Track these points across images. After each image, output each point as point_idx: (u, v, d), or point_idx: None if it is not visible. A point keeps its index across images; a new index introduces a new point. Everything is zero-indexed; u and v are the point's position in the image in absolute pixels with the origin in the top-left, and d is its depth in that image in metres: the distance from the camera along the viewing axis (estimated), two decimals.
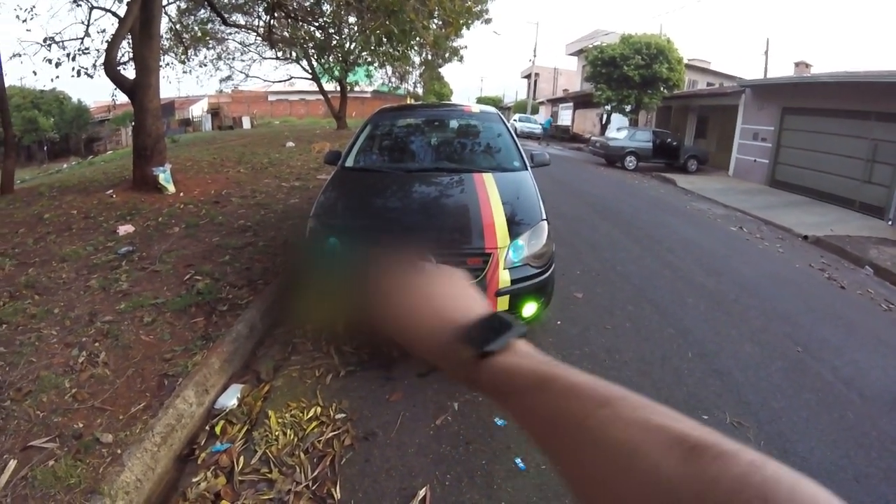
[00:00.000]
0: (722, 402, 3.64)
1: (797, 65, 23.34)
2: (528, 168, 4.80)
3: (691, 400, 3.61)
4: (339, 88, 26.63)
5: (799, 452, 3.18)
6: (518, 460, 2.81)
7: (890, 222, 12.05)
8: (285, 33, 18.91)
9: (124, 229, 6.02)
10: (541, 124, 35.27)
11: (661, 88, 23.15)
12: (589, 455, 0.41)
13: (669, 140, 20.48)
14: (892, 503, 2.86)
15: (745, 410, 3.57)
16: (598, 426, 0.42)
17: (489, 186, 4.15)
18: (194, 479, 2.55)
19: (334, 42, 20.57)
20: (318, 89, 27.54)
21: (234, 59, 23.29)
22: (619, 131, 21.67)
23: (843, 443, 3.36)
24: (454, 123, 5.95)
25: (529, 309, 3.61)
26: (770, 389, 3.91)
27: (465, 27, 18.52)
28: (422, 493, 2.55)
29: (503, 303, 3.45)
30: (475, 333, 0.57)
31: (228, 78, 24.63)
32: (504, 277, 3.44)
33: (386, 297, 0.67)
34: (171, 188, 8.08)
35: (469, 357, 0.55)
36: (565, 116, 40.70)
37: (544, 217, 3.95)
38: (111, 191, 8.12)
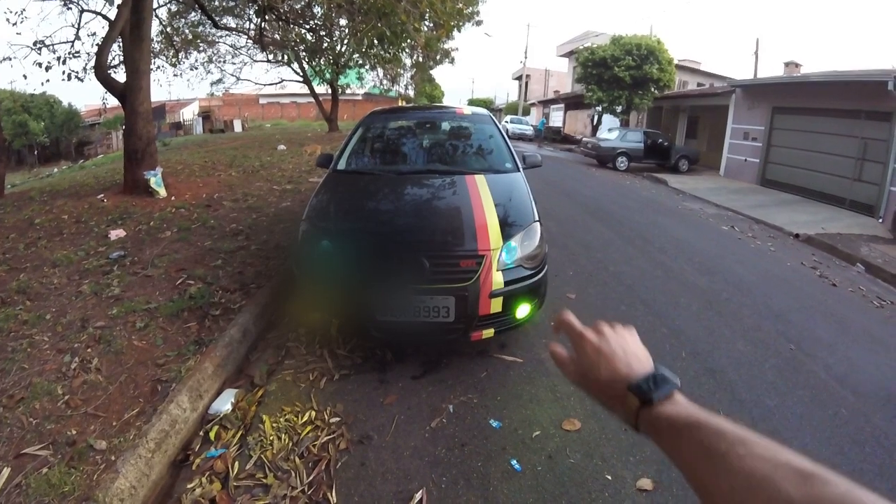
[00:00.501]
0: (716, 400, 3.66)
1: (787, 65, 23.44)
2: (521, 169, 4.81)
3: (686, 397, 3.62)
4: (330, 91, 26.63)
5: (793, 449, 3.18)
6: (514, 462, 2.81)
7: (881, 220, 12.14)
8: (276, 36, 18.93)
9: (116, 234, 5.99)
10: (533, 126, 35.37)
11: (652, 89, 23.23)
12: (729, 481, 0.53)
13: (660, 140, 20.56)
14: (888, 498, 2.87)
15: (739, 408, 3.59)
16: (737, 459, 0.54)
17: (481, 188, 4.16)
18: (189, 485, 2.54)
19: (325, 44, 20.60)
20: (309, 92, 27.54)
21: (224, 61, 23.31)
22: (610, 132, 21.72)
23: (837, 439, 3.38)
24: (446, 125, 5.96)
25: (523, 310, 3.61)
26: (763, 387, 3.92)
27: (456, 29, 18.58)
28: (418, 496, 2.54)
29: (496, 304, 3.45)
30: (643, 386, 0.71)
31: (219, 81, 24.60)
32: (497, 279, 3.44)
33: (585, 362, 0.80)
34: (163, 192, 8.05)
35: (636, 404, 0.70)
36: (556, 118, 40.78)
37: (537, 218, 3.95)
38: (102, 195, 8.08)
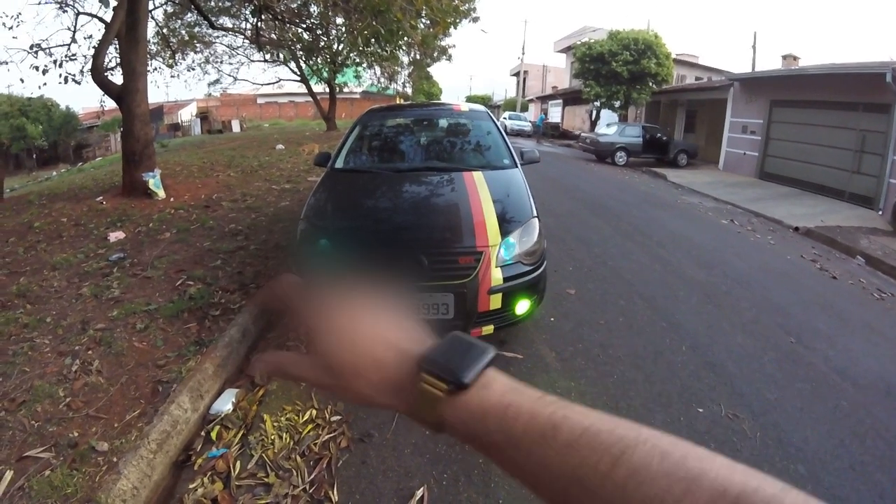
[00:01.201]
0: (716, 394, 3.66)
1: (785, 58, 23.46)
2: (519, 165, 4.81)
3: (685, 393, 3.63)
4: (327, 90, 26.59)
5: (794, 443, 3.20)
6: None
7: (880, 212, 12.15)
8: (273, 35, 18.85)
9: (115, 236, 6.00)
10: (531, 122, 35.36)
11: (650, 83, 23.20)
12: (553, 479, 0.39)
13: (659, 135, 20.55)
14: (888, 491, 2.88)
15: (739, 402, 3.59)
16: (623, 483, 0.37)
17: (479, 185, 4.16)
18: (191, 486, 2.54)
19: (322, 43, 20.51)
20: (306, 91, 27.52)
21: (221, 62, 23.23)
22: (608, 127, 21.77)
23: (837, 432, 3.39)
24: (443, 122, 5.95)
25: (522, 306, 3.61)
26: (764, 380, 3.93)
27: (452, 26, 18.51)
28: (419, 493, 2.55)
29: (496, 301, 3.45)
30: (442, 361, 0.48)
31: (217, 81, 24.58)
32: (496, 275, 3.45)
33: (318, 339, 0.54)
34: (162, 193, 8.06)
35: (440, 393, 0.47)
36: (555, 113, 40.76)
37: (535, 214, 3.95)
38: (101, 197, 8.10)
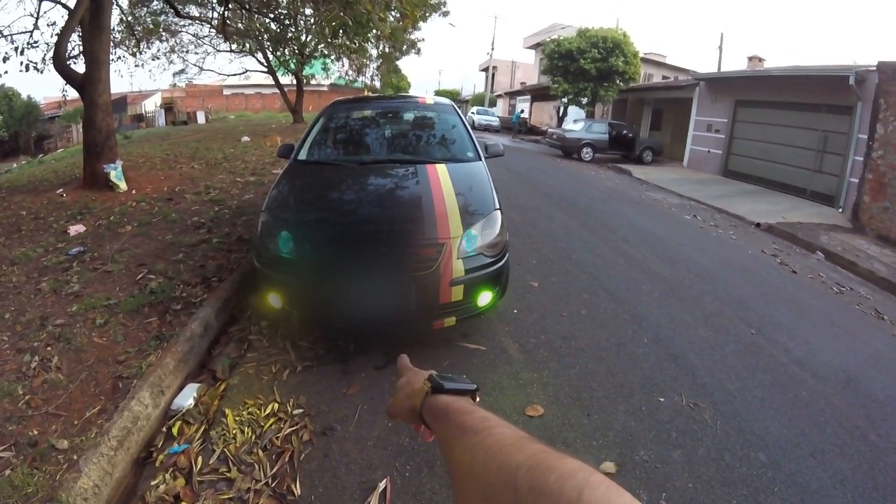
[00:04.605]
0: (678, 384, 3.74)
1: (750, 59, 23.88)
2: (482, 159, 4.84)
3: (648, 384, 3.71)
4: (295, 82, 26.31)
5: (755, 431, 3.29)
6: None
7: (840, 209, 12.50)
8: (240, 25, 18.61)
9: (75, 229, 5.89)
10: (499, 117, 35.48)
11: (618, 81, 23.44)
12: (472, 455, 0.58)
13: (625, 132, 20.80)
14: (849, 478, 2.98)
15: (700, 392, 3.68)
16: (461, 450, 0.61)
17: (442, 177, 4.18)
18: (153, 482, 2.53)
19: (290, 34, 20.33)
20: (274, 83, 27.12)
21: (187, 51, 22.90)
22: (575, 123, 21.96)
23: (798, 421, 3.49)
24: (409, 115, 5.94)
25: (484, 298, 3.65)
26: (725, 371, 4.04)
27: (422, 19, 18.48)
28: (382, 485, 2.57)
29: (457, 292, 3.48)
30: (439, 377, 0.79)
31: (182, 71, 24.22)
32: (458, 267, 3.47)
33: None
34: (123, 186, 7.90)
35: (423, 390, 0.78)
36: (523, 109, 40.95)
37: (497, 207, 3.99)
38: (61, 190, 7.92)
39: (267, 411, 3.08)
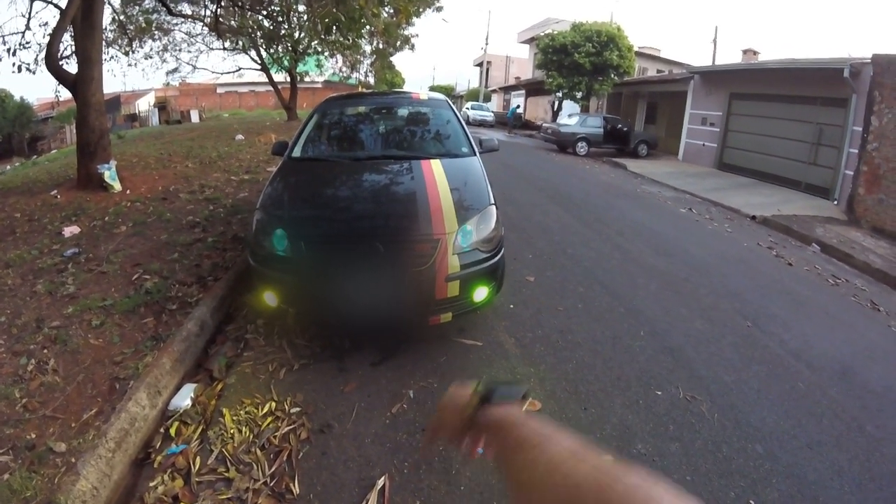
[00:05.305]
0: (674, 377, 3.75)
1: (745, 52, 23.93)
2: (477, 154, 4.84)
3: (644, 377, 3.71)
4: (289, 79, 26.22)
5: (752, 423, 3.31)
6: None
7: (835, 202, 12.52)
8: (233, 22, 18.54)
9: (70, 230, 5.87)
10: (494, 112, 35.45)
11: (612, 75, 23.39)
12: (533, 469, 0.58)
13: (620, 126, 20.82)
14: (845, 468, 3.00)
15: (697, 385, 3.69)
16: (519, 465, 0.60)
17: (437, 173, 4.18)
18: (151, 484, 2.52)
19: (283, 31, 20.26)
20: (267, 80, 27.03)
21: (180, 50, 22.71)
22: (570, 118, 21.91)
23: (794, 412, 3.51)
24: (403, 111, 5.93)
25: (480, 293, 3.64)
26: (721, 364, 4.05)
27: (415, 15, 18.44)
28: (380, 482, 2.57)
29: (453, 288, 3.48)
30: (487, 386, 0.79)
31: (175, 70, 24.00)
32: (453, 262, 3.47)
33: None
34: (118, 186, 7.88)
35: (471, 403, 0.77)
36: (517, 104, 40.91)
37: (492, 202, 3.98)
38: (55, 191, 7.89)
39: (264, 410, 3.08)
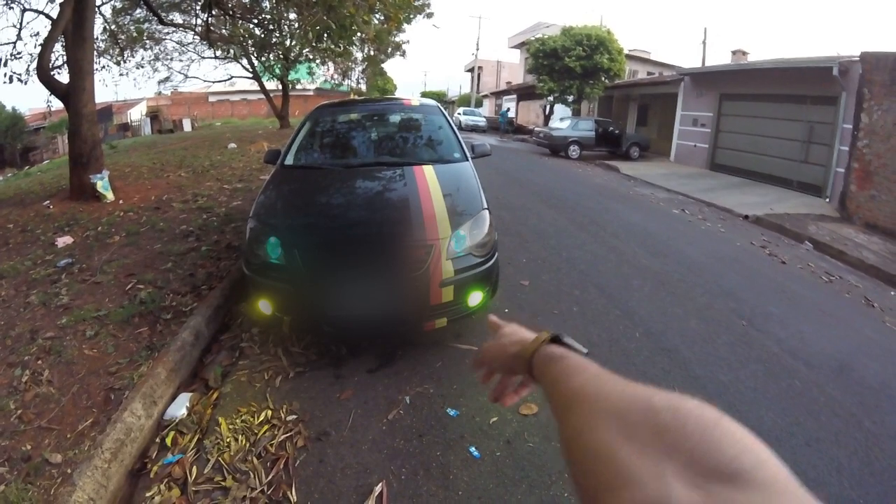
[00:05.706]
0: (671, 378, 3.78)
1: (734, 53, 24.00)
2: (469, 159, 4.85)
3: (640, 378, 3.63)
4: (280, 87, 26.23)
5: (750, 421, 3.27)
6: (472, 449, 2.86)
7: (827, 199, 12.60)
8: (224, 31, 18.54)
9: (63, 241, 5.84)
10: (486, 117, 35.54)
11: (603, 78, 23.50)
12: (574, 398, 0.59)
13: (611, 129, 20.92)
14: (844, 465, 3.01)
15: (693, 384, 3.70)
16: (585, 379, 0.61)
17: (430, 178, 4.18)
18: (148, 494, 2.52)
19: (274, 39, 20.25)
20: (259, 88, 26.99)
21: (172, 59, 22.67)
22: (562, 121, 21.99)
23: (792, 410, 3.52)
24: (395, 117, 5.94)
25: (475, 298, 3.65)
26: (718, 363, 4.06)
27: (406, 21, 18.49)
28: (378, 488, 2.57)
29: (448, 293, 3.48)
30: (555, 332, 0.78)
31: (167, 79, 23.99)
32: (447, 268, 3.48)
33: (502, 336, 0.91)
34: (111, 196, 7.85)
35: (541, 338, 0.77)
36: (509, 108, 41.03)
37: (486, 206, 3.99)
38: (48, 201, 7.85)
39: (260, 418, 3.07)
